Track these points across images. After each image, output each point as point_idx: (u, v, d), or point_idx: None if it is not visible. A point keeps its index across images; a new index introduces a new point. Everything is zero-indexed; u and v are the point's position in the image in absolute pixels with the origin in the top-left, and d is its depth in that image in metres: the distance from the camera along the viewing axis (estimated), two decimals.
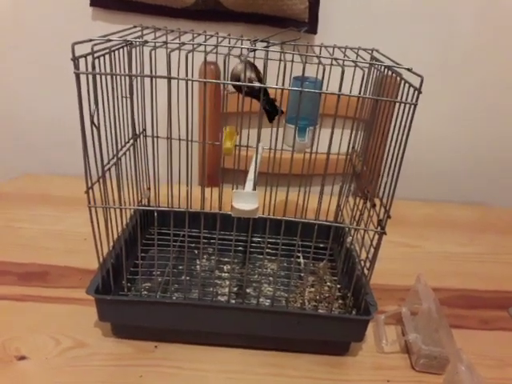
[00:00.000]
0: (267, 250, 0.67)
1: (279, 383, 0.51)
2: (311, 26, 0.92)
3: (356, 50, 0.56)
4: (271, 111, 0.59)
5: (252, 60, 0.59)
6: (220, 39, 0.57)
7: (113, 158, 0.50)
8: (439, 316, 0.52)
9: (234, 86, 0.54)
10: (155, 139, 0.63)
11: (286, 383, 0.51)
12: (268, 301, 0.58)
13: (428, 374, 0.53)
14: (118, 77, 0.51)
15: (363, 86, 0.53)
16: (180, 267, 0.64)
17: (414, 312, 0.58)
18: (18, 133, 1.07)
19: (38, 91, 1.02)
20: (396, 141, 0.44)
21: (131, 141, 0.58)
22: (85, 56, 0.43)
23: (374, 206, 0.51)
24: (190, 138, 0.51)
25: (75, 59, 0.42)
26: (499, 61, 0.98)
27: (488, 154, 1.09)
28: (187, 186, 0.48)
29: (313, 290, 0.62)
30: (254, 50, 0.48)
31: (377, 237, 0.48)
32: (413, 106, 0.41)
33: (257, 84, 0.47)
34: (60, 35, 0.95)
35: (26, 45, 0.97)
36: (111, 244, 0.53)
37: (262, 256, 0.66)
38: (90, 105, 0.44)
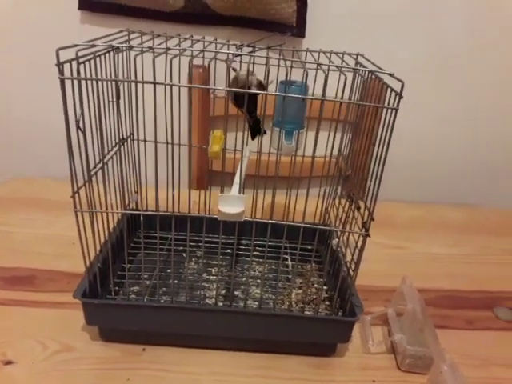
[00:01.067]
0: (255, 253, 0.67)
1: None
2: (299, 29, 0.93)
3: (341, 55, 0.57)
4: (255, 130, 0.60)
5: (238, 65, 0.60)
6: (206, 44, 0.57)
7: (99, 163, 0.51)
8: (424, 316, 0.53)
9: (234, 98, 0.54)
10: (141, 143, 0.63)
11: None
12: (256, 303, 0.59)
13: (413, 374, 0.53)
14: (104, 81, 0.51)
15: (346, 90, 0.54)
16: (168, 270, 0.64)
17: (399, 313, 0.59)
18: (7, 135, 1.06)
19: (26, 94, 1.02)
20: (379, 144, 0.45)
21: (117, 145, 0.58)
22: (69, 61, 0.43)
23: (358, 208, 0.51)
24: (176, 142, 0.51)
25: (59, 65, 0.42)
26: (490, 61, 1.00)
27: (476, 155, 1.11)
28: (173, 189, 0.49)
29: (300, 291, 0.62)
30: (240, 55, 0.48)
31: (361, 239, 0.49)
32: (394, 111, 0.42)
33: (240, 90, 0.47)
34: (48, 38, 0.94)
35: (15, 47, 0.97)
36: (98, 248, 0.53)
37: (249, 259, 0.67)
38: (75, 109, 0.44)
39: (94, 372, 0.51)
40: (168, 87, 0.45)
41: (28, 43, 0.96)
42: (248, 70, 0.48)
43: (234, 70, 0.56)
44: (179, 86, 0.43)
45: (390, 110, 0.43)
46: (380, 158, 0.44)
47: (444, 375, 0.44)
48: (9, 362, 0.51)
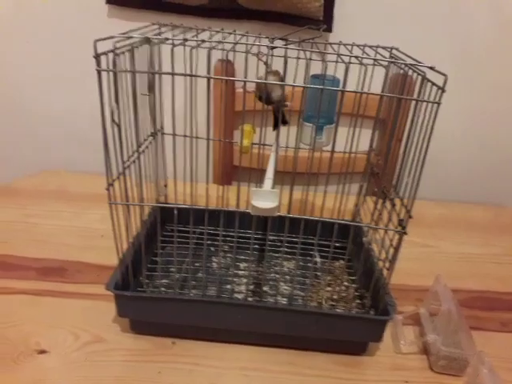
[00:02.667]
0: (282, 249, 0.66)
1: (295, 382, 0.51)
2: (326, 24, 0.91)
3: (375, 48, 0.56)
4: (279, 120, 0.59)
5: (270, 58, 0.59)
6: (238, 37, 0.57)
7: (132, 156, 0.51)
8: (459, 317, 0.51)
9: (257, 94, 0.54)
10: (169, 137, 0.63)
11: (302, 382, 0.51)
12: (284, 299, 0.58)
13: (447, 376, 0.52)
14: (138, 74, 0.51)
15: (384, 84, 0.53)
16: (196, 264, 0.64)
17: (432, 313, 0.58)
18: (34, 129, 1.08)
19: (54, 88, 1.03)
20: (418, 140, 0.44)
21: (150, 138, 0.58)
22: (106, 53, 0.43)
23: (393, 205, 0.50)
24: (204, 136, 0.51)
25: (97, 56, 0.42)
26: None
27: (504, 154, 1.08)
28: (207, 183, 0.48)
29: (329, 289, 0.62)
30: (274, 48, 0.47)
31: (397, 237, 0.48)
32: (436, 105, 0.41)
33: (276, 82, 0.46)
34: (75, 32, 0.96)
35: (42, 41, 0.98)
36: (130, 240, 0.54)
37: (277, 254, 0.66)
38: (110, 101, 0.44)
39: (125, 364, 0.51)
40: (200, 82, 0.45)
41: (57, 37, 0.98)
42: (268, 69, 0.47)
43: (266, 63, 0.55)
44: (215, 79, 0.42)
45: (429, 105, 0.42)
46: (420, 153, 0.43)
47: (483, 378, 0.43)
48: (42, 351, 0.52)
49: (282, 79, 0.52)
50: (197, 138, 0.61)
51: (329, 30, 0.93)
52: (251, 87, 0.58)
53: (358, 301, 0.59)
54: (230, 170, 0.99)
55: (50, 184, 0.91)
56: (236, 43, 0.49)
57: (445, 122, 1.02)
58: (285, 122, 0.62)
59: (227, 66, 0.85)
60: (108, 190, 0.48)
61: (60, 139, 1.08)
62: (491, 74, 0.98)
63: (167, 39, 0.48)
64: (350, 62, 0.56)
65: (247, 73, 0.48)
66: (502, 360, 0.55)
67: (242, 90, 0.63)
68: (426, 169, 1.09)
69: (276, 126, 0.60)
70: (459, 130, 1.05)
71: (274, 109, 0.59)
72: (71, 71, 1.00)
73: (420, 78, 0.44)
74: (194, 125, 0.61)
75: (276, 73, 0.53)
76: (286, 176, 0.63)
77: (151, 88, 0.55)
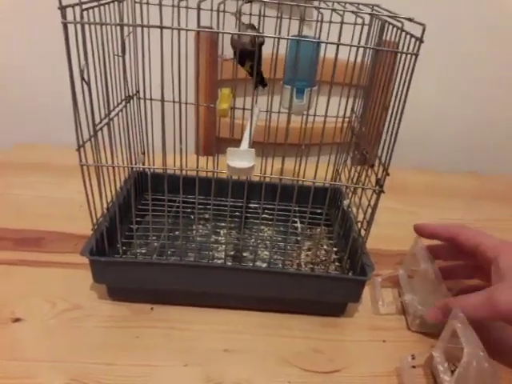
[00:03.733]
0: (264, 216, 0.66)
1: (275, 343, 0.51)
2: None
3: (356, 5, 0.54)
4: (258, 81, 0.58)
5: (248, 17, 0.57)
6: None
7: (105, 118, 0.49)
8: (436, 277, 0.52)
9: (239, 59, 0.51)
10: (147, 102, 0.61)
11: (281, 343, 0.51)
12: (264, 264, 0.58)
13: (423, 335, 0.53)
14: (109, 32, 0.49)
15: (363, 40, 0.51)
16: (176, 233, 0.63)
17: (410, 275, 0.58)
18: (9, 102, 1.05)
19: (28, 57, 0.99)
20: (396, 95, 0.43)
21: (123, 102, 0.56)
22: (72, 6, 0.41)
23: (372, 166, 0.50)
24: (183, 101, 0.50)
25: (62, 8, 0.40)
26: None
27: (490, 124, 1.08)
28: (180, 148, 0.47)
29: (309, 253, 0.61)
30: (250, 2, 0.46)
31: (375, 196, 0.47)
32: (414, 57, 0.39)
33: (251, 33, 0.45)
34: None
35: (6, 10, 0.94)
36: (105, 205, 0.53)
37: (258, 221, 0.66)
38: (79, 59, 0.42)
39: (103, 330, 0.51)
40: (175, 41, 0.43)
41: (19, 6, 0.93)
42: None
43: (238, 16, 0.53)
44: (187, 31, 0.40)
45: (408, 58, 0.41)
46: (398, 108, 0.42)
47: (457, 332, 0.43)
48: (17, 320, 0.51)
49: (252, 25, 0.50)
50: (174, 102, 0.60)
51: None
52: (229, 56, 0.57)
53: (338, 264, 0.59)
54: (213, 142, 0.97)
55: (30, 156, 0.89)
56: None
57: (432, 89, 1.02)
58: (264, 84, 0.60)
59: (208, 33, 0.83)
60: (78, 151, 0.46)
61: (35, 111, 1.05)
62: (479, 37, 0.97)
63: None
64: (330, 22, 0.54)
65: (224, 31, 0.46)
66: None
67: (225, 60, 0.61)
68: (411, 138, 1.09)
69: (255, 87, 0.58)
70: (447, 97, 1.04)
71: (250, 69, 0.57)
72: (41, 39, 0.95)
73: (399, 32, 0.43)
74: (170, 89, 0.59)
75: (250, 26, 0.51)
76: (268, 146, 0.62)
77: (124, 48, 0.53)
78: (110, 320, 0.52)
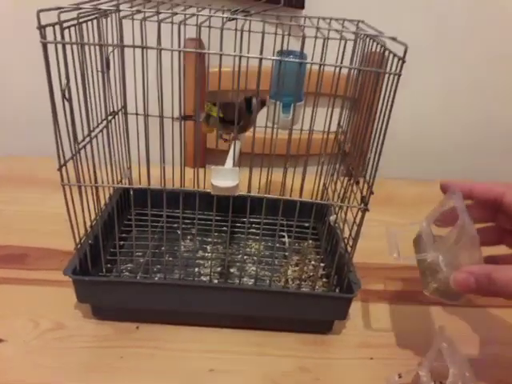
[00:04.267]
0: (251, 230, 0.66)
1: (263, 362, 0.50)
2: (298, 1, 0.89)
3: (341, 22, 0.54)
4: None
5: (233, 32, 0.57)
6: (200, 9, 0.54)
7: (87, 136, 0.49)
8: (474, 237, 0.41)
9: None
10: (133, 117, 0.60)
11: (269, 362, 0.50)
12: (252, 280, 0.58)
13: (411, 352, 0.52)
14: (92, 49, 0.48)
15: (347, 58, 0.51)
16: (162, 248, 0.63)
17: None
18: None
19: (11, 68, 0.98)
20: (380, 115, 0.43)
21: (108, 118, 0.56)
22: (52, 25, 0.40)
23: (357, 183, 0.49)
24: (170, 115, 0.49)
25: (41, 28, 0.39)
26: (494, 35, 0.96)
27: (480, 132, 1.09)
28: (161, 164, 0.47)
29: (297, 269, 0.61)
30: (235, 19, 0.45)
31: (360, 214, 0.47)
32: (397, 77, 0.39)
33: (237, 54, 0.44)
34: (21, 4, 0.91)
35: None
36: (88, 224, 0.52)
37: (244, 236, 0.65)
38: (60, 78, 0.42)
39: (87, 350, 0.50)
40: (164, 57, 0.42)
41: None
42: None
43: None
44: (171, 51, 0.40)
45: (392, 77, 0.41)
46: (381, 127, 0.42)
47: (443, 352, 0.43)
48: (0, 340, 0.50)
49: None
50: (161, 117, 0.59)
51: (301, 6, 0.90)
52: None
53: (325, 280, 0.59)
54: (202, 153, 0.97)
55: (8, 169, 0.88)
56: (196, 14, 0.47)
57: (419, 99, 1.02)
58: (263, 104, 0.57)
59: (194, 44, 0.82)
60: (60, 171, 0.45)
61: (20, 122, 1.04)
62: (465, 49, 0.98)
63: (120, 10, 0.45)
64: (316, 37, 0.54)
65: (209, 46, 0.46)
66: (463, 334, 0.56)
67: (215, 71, 0.60)
68: (400, 148, 1.09)
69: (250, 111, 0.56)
70: (433, 107, 1.05)
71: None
72: (24, 44, 0.94)
73: (383, 51, 0.43)
74: (156, 104, 0.59)
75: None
76: (255, 158, 0.62)
77: (107, 65, 0.53)
78: (94, 340, 0.51)
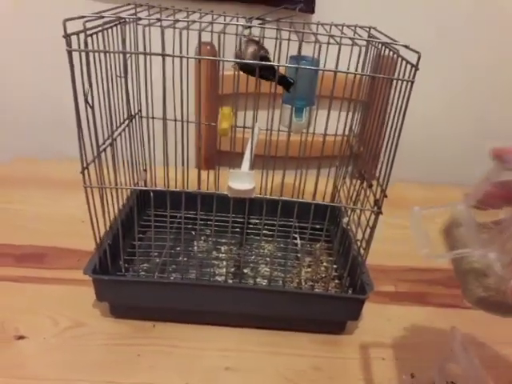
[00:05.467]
0: (264, 232, 0.67)
1: (275, 361, 0.51)
2: (307, 5, 0.90)
3: (353, 28, 0.55)
4: (287, 83, 0.54)
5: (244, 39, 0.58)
6: (215, 17, 0.56)
7: (108, 139, 0.50)
8: None
9: (242, 68, 0.50)
10: (150, 120, 0.62)
11: (283, 361, 0.51)
12: (265, 281, 0.59)
13: (420, 352, 0.53)
14: (112, 55, 0.50)
15: (363, 64, 0.52)
16: (178, 248, 0.64)
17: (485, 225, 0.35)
18: (8, 115, 1.06)
19: (29, 70, 1.00)
20: (393, 120, 0.44)
21: (126, 121, 0.57)
22: (77, 33, 0.42)
23: (370, 186, 0.50)
24: (185, 119, 0.51)
25: (67, 36, 0.41)
26: (501, 39, 0.97)
27: (488, 136, 1.09)
28: (183, 166, 0.48)
29: (309, 270, 0.62)
30: (250, 27, 0.47)
31: (373, 216, 0.48)
32: (410, 84, 0.40)
33: (251, 61, 0.46)
34: (51, 10, 0.93)
35: (16, 20, 0.95)
36: (108, 224, 0.53)
37: (258, 237, 0.66)
38: (83, 84, 0.43)
39: (105, 347, 0.51)
40: (177, 61, 0.44)
41: (33, 16, 0.95)
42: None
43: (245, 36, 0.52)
44: (188, 58, 0.41)
45: (404, 83, 0.42)
46: (394, 132, 0.43)
47: (456, 354, 0.43)
48: (21, 337, 0.52)
49: (262, 47, 0.50)
50: (175, 120, 0.61)
51: (311, 11, 0.92)
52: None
53: (337, 281, 0.60)
54: (213, 155, 0.98)
55: (29, 170, 0.90)
56: (212, 22, 0.48)
57: (430, 103, 1.03)
58: (289, 83, 0.55)
59: (207, 49, 0.84)
60: (83, 173, 0.47)
61: (36, 124, 1.06)
62: (470, 53, 0.99)
63: (140, 19, 0.47)
64: (328, 43, 0.55)
65: (224, 52, 0.47)
66: (476, 336, 0.56)
67: (226, 74, 0.61)
68: (411, 152, 1.09)
69: (287, 88, 0.53)
70: (445, 111, 1.05)
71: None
72: (46, 51, 0.97)
73: (395, 56, 0.44)
74: (171, 108, 0.60)
75: (254, 41, 0.50)
76: (268, 160, 0.63)
77: (126, 70, 0.54)
78: (112, 338, 0.53)
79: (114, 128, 0.53)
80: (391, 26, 0.56)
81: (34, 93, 1.03)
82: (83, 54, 0.42)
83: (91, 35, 0.44)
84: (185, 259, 0.61)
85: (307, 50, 0.53)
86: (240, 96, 0.60)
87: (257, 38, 0.50)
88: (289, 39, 0.58)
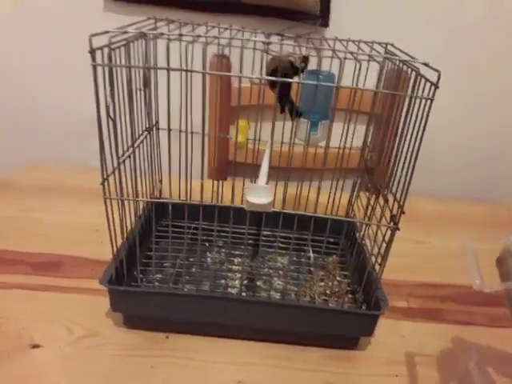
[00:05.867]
0: (275, 244, 0.67)
1: (287, 376, 0.51)
2: (323, 19, 0.91)
3: (370, 44, 0.56)
4: (296, 113, 0.57)
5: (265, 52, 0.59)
6: (234, 32, 0.56)
7: (127, 150, 0.51)
8: None
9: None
10: (168, 132, 0.63)
11: (294, 376, 0.51)
12: (278, 294, 0.59)
13: (436, 370, 0.53)
14: (133, 68, 0.51)
15: (379, 80, 0.53)
16: (191, 259, 0.64)
17: None
18: (30, 123, 1.08)
19: (51, 82, 1.02)
20: (411, 136, 0.44)
21: (145, 133, 0.58)
22: (101, 48, 0.43)
23: (386, 201, 0.51)
24: (200, 131, 0.51)
25: (92, 51, 0.42)
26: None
27: (501, 150, 1.09)
28: (201, 179, 0.48)
29: (322, 284, 0.62)
30: (269, 44, 0.47)
31: (389, 232, 0.48)
32: (429, 101, 0.41)
33: (273, 78, 0.46)
34: (70, 26, 0.95)
35: (38, 34, 0.98)
36: (124, 235, 0.54)
37: (271, 250, 0.67)
38: (105, 97, 0.44)
39: (119, 358, 0.52)
40: (195, 76, 0.44)
41: (53, 32, 0.97)
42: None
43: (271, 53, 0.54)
44: (211, 74, 0.42)
45: (422, 101, 0.42)
46: (413, 148, 0.43)
47: (471, 373, 0.44)
48: (36, 346, 0.52)
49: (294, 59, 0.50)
50: (192, 133, 0.61)
51: (325, 24, 0.93)
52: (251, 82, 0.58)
53: (351, 296, 0.60)
54: (225, 165, 0.99)
55: (41, 178, 0.91)
56: (231, 38, 0.49)
57: (440, 117, 1.03)
58: (298, 114, 0.59)
59: (222, 61, 0.85)
60: (103, 185, 0.48)
61: (54, 132, 1.08)
62: (484, 67, 0.99)
63: (162, 34, 0.48)
64: (345, 58, 0.56)
65: (242, 68, 0.48)
66: (491, 355, 0.56)
67: (237, 86, 0.62)
68: (424, 165, 1.09)
69: (292, 116, 0.57)
70: (455, 125, 1.06)
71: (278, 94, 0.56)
72: (67, 65, 0.99)
73: (414, 73, 0.44)
74: (189, 120, 0.61)
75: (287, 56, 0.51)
76: (281, 171, 0.63)
77: (146, 83, 0.55)
78: (125, 348, 0.53)
79: (134, 139, 0.53)
80: (404, 39, 0.57)
81: (54, 101, 1.05)
82: (107, 68, 0.43)
83: (114, 49, 0.45)
84: (198, 270, 0.62)
85: (324, 64, 0.54)
86: (252, 108, 0.60)
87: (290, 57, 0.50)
88: (308, 54, 0.59)
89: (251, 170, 0.62)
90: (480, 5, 0.92)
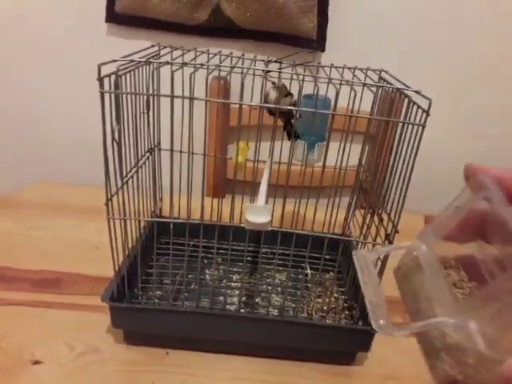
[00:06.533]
0: (273, 261, 0.68)
1: None
2: (319, 43, 0.95)
3: (365, 71, 0.59)
4: (295, 135, 0.62)
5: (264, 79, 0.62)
6: (234, 60, 0.59)
7: (130, 171, 0.53)
8: None
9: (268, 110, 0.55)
10: (170, 153, 0.65)
11: None
12: (276, 310, 0.60)
13: None
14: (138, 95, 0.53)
15: (373, 106, 0.56)
16: (190, 276, 0.66)
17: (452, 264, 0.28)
18: (36, 142, 1.10)
19: (57, 103, 1.05)
20: (404, 159, 0.47)
21: (147, 154, 0.60)
22: (109, 76, 0.45)
23: (381, 220, 0.53)
24: (202, 153, 0.53)
25: (101, 79, 0.44)
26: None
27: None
28: (202, 198, 0.50)
29: (319, 300, 0.63)
30: (268, 72, 0.50)
31: None
32: (421, 128, 0.43)
33: (271, 106, 0.49)
34: (74, 51, 0.98)
35: (44, 59, 1.01)
36: (126, 253, 0.55)
37: (270, 266, 0.68)
38: (111, 121, 0.46)
39: (119, 374, 0.53)
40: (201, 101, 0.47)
41: (55, 55, 1.00)
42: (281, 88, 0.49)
43: (274, 83, 0.57)
44: (214, 102, 0.44)
45: (416, 126, 0.45)
46: (406, 171, 0.46)
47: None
48: (37, 362, 0.53)
49: (289, 92, 0.54)
50: (193, 153, 0.63)
51: (322, 49, 0.96)
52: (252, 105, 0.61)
53: (347, 312, 0.61)
54: (223, 183, 1.01)
55: (46, 196, 0.93)
56: (233, 67, 0.52)
57: (434, 137, 1.06)
58: (296, 136, 0.62)
59: (223, 85, 0.88)
60: (107, 205, 0.49)
61: (60, 152, 1.10)
62: (478, 93, 1.02)
63: (167, 63, 0.50)
64: (340, 84, 0.59)
65: (243, 95, 0.50)
66: None
67: (237, 107, 0.65)
68: (419, 182, 1.12)
69: (290, 136, 0.61)
70: (453, 144, 1.09)
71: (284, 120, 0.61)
72: (70, 87, 1.02)
73: (407, 100, 0.47)
74: (189, 141, 0.63)
75: (282, 87, 0.54)
76: (279, 190, 0.65)
77: (149, 106, 0.57)
78: (126, 364, 0.54)
79: (135, 161, 0.55)
80: (397, 65, 0.60)
81: (63, 124, 1.07)
82: (113, 94, 0.45)
83: (120, 76, 0.47)
84: (197, 287, 0.63)
85: (320, 88, 0.56)
86: (251, 128, 0.62)
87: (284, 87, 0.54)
88: (303, 80, 0.61)
89: (250, 188, 0.64)
90: (478, 31, 0.96)
